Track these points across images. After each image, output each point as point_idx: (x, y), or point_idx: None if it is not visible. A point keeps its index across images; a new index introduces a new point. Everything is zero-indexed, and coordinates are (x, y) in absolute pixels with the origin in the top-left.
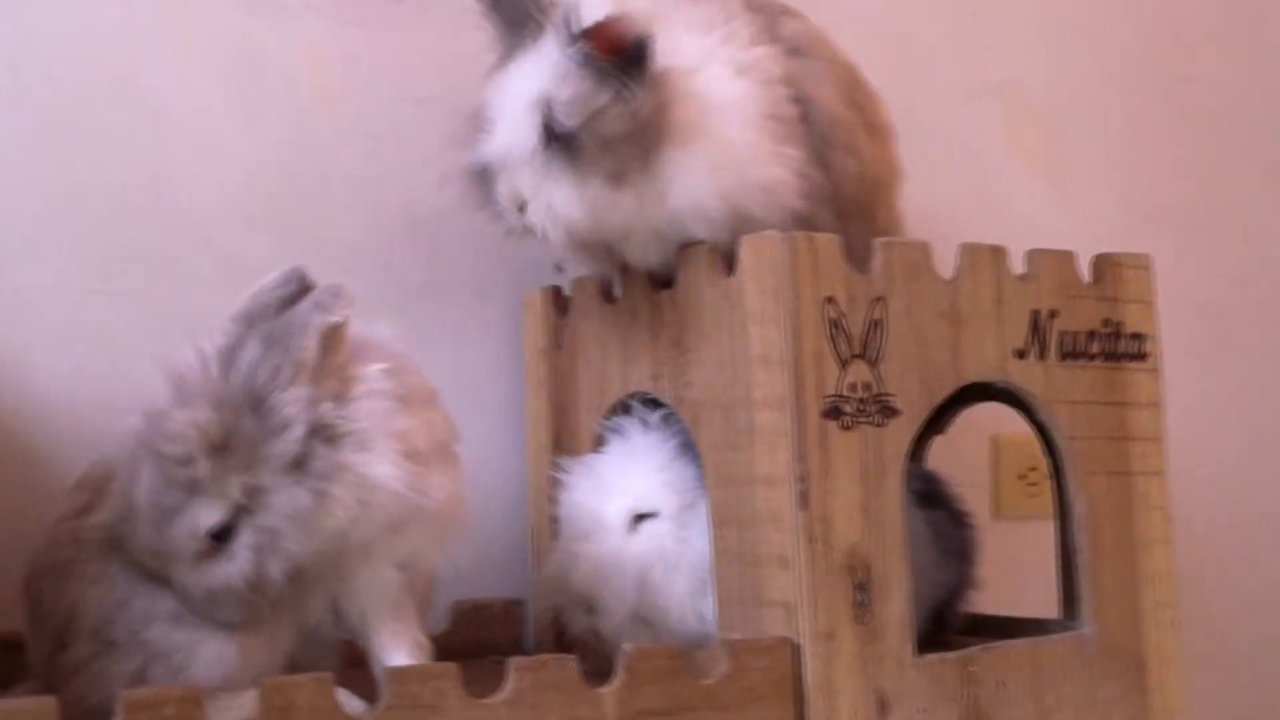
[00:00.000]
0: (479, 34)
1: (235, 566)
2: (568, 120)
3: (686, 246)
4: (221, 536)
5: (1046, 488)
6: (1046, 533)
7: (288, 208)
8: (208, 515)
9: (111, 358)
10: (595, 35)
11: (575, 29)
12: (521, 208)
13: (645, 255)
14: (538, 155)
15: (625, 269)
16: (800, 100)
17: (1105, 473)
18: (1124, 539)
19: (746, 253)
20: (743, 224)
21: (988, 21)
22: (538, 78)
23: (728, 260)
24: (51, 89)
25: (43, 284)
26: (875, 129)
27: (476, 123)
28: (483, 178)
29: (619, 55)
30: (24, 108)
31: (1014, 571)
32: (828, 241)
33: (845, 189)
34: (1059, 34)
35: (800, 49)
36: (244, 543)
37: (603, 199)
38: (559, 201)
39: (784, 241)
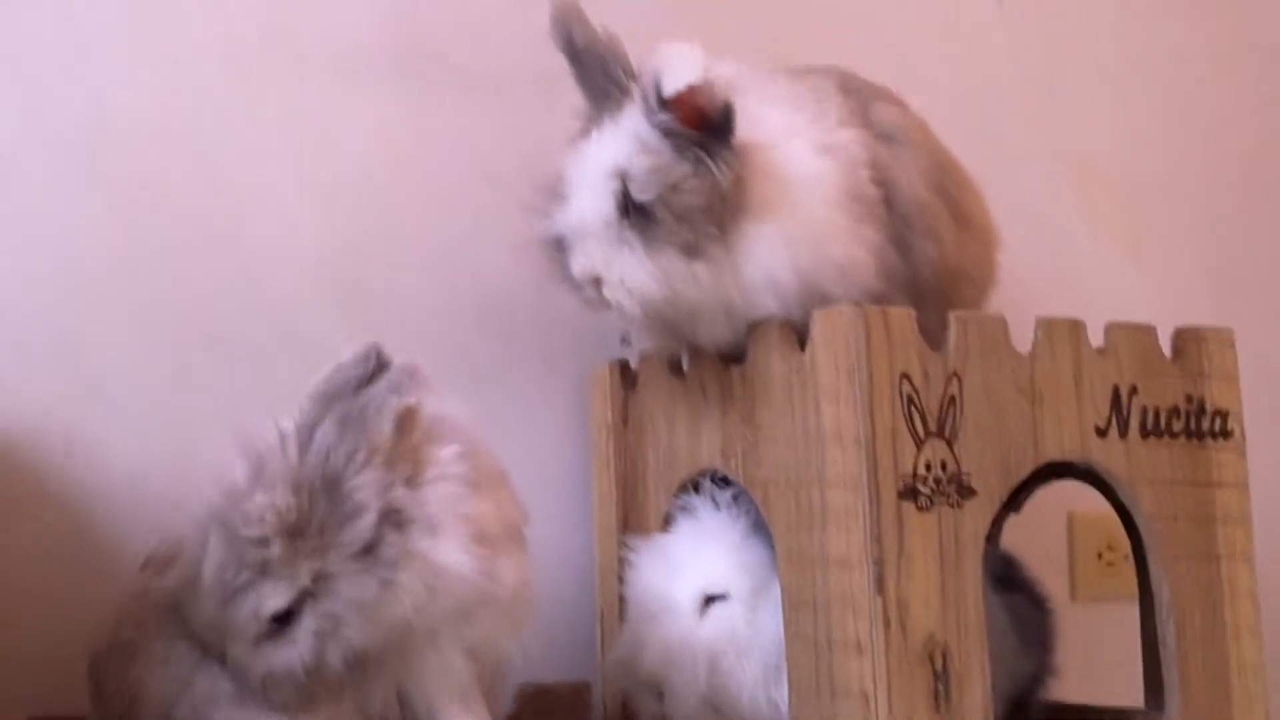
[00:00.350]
0: (552, 112)
1: (295, 651)
2: (643, 192)
3: (757, 322)
4: (284, 620)
5: (1124, 567)
6: (1126, 614)
7: (360, 286)
8: (274, 598)
9: (183, 440)
10: (679, 103)
11: (658, 96)
12: (596, 280)
13: (715, 333)
14: (613, 226)
15: (694, 345)
16: (884, 183)
17: (1190, 556)
18: (1212, 627)
19: (819, 327)
20: (817, 302)
21: (1064, 93)
22: (616, 149)
23: (800, 335)
24: (126, 170)
25: (116, 365)
26: (965, 220)
27: (553, 193)
28: (558, 249)
29: (701, 124)
30: (99, 188)
31: (1094, 656)
32: (902, 316)
33: (924, 274)
34: (1136, 105)
35: (890, 134)
36: (306, 628)
37: (677, 271)
38: (632, 273)
39: (857, 315)
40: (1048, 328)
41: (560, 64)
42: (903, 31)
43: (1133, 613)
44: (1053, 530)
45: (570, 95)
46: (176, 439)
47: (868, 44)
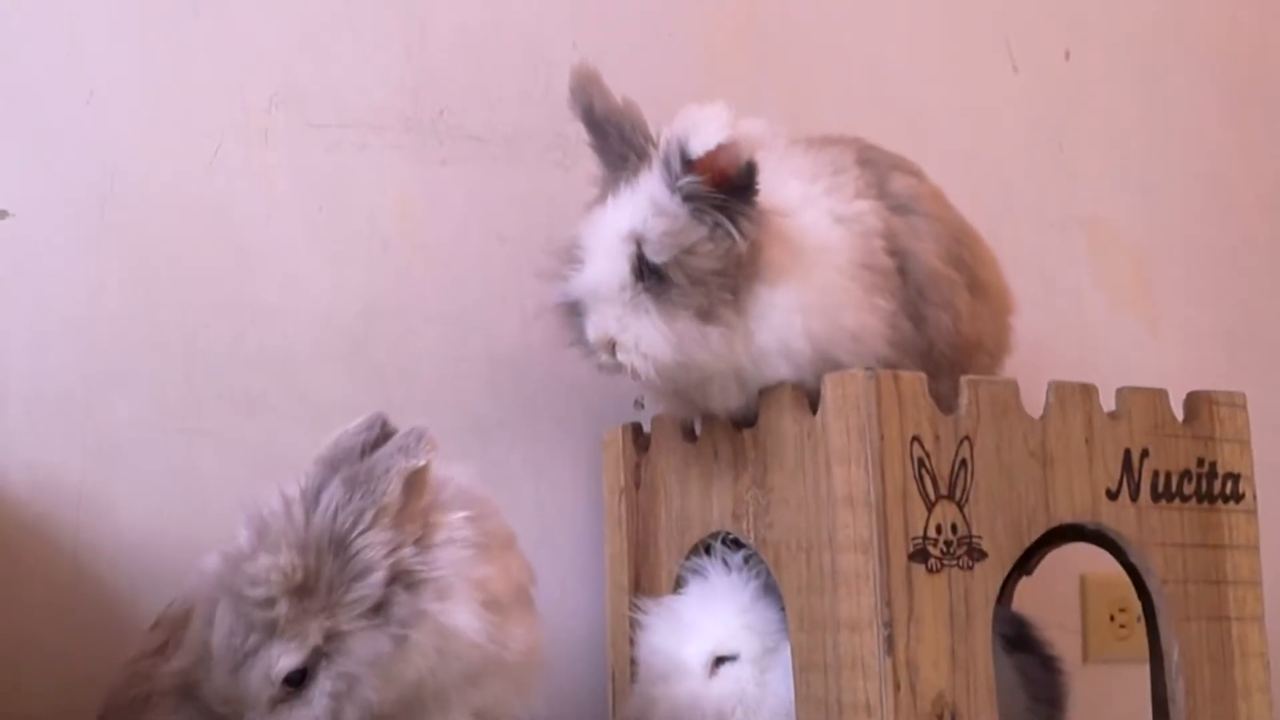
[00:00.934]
0: (564, 175)
1: (310, 713)
2: (659, 255)
3: (769, 386)
4: (298, 681)
5: (1137, 629)
6: (1138, 676)
7: (371, 348)
8: (286, 659)
9: (192, 497)
10: (705, 163)
11: (683, 158)
12: (610, 344)
13: (727, 398)
14: (628, 290)
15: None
16: (898, 254)
17: (1200, 617)
18: (1222, 687)
19: (830, 390)
20: (829, 368)
21: (1075, 154)
22: (632, 212)
23: (811, 399)
24: (139, 230)
25: (126, 422)
26: (980, 289)
27: (568, 258)
28: (573, 313)
29: (725, 184)
30: (112, 248)
31: (1105, 718)
32: (913, 380)
33: (938, 343)
34: (1147, 166)
35: (906, 205)
36: (321, 689)
37: (691, 335)
38: (647, 336)
39: (868, 379)
40: (1059, 391)
41: (573, 128)
42: (919, 95)
43: (1145, 675)
44: (1065, 592)
45: (583, 159)
46: (187, 497)
47: (885, 108)
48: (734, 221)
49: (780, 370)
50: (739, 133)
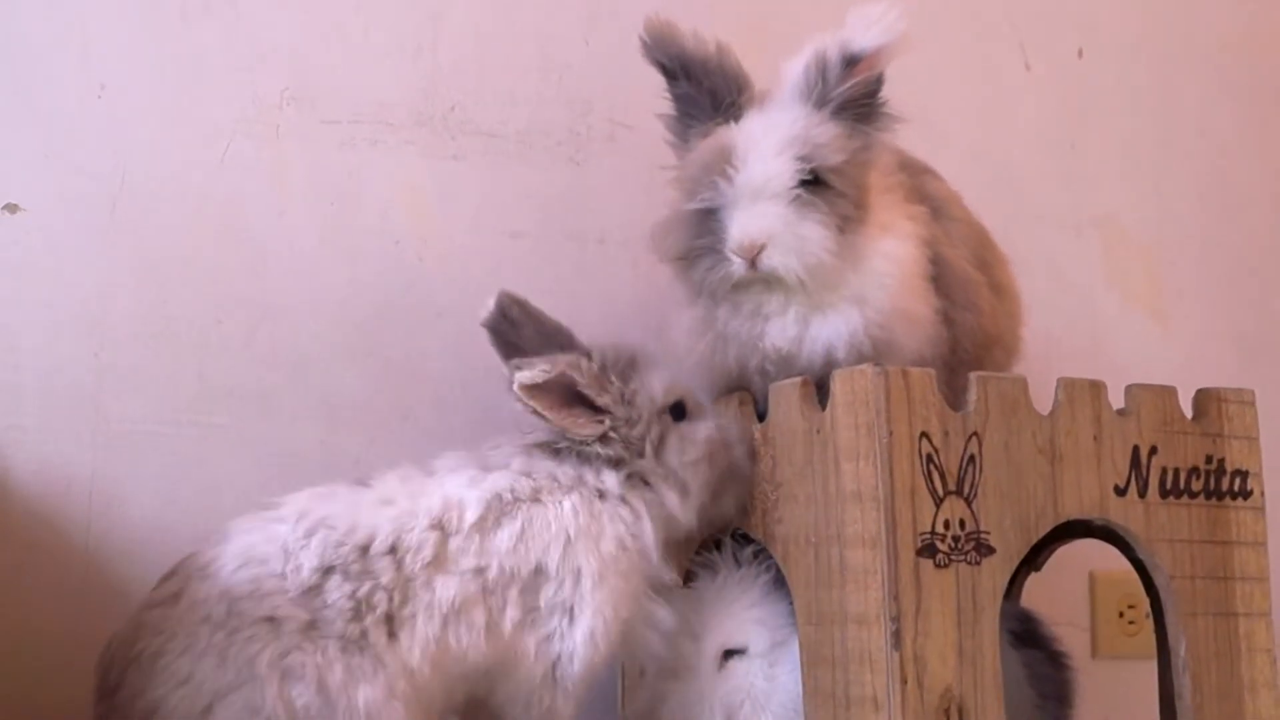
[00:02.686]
0: (575, 168)
1: None
2: (824, 160)
3: (779, 383)
4: None
5: (1146, 626)
6: (1147, 672)
7: (383, 343)
8: None
9: (204, 491)
10: (870, 59)
11: (844, 57)
12: (755, 247)
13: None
14: (790, 192)
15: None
16: (936, 261)
17: (1208, 614)
18: (1228, 683)
19: (839, 386)
20: (880, 338)
21: (1088, 154)
22: (791, 120)
23: (820, 394)
24: (151, 224)
25: (137, 416)
26: (1000, 289)
27: (714, 167)
28: (704, 221)
29: (870, 89)
30: (124, 244)
31: (1114, 714)
32: (922, 376)
33: (964, 341)
34: (1160, 167)
35: (939, 209)
36: None
37: (834, 243)
38: (812, 235)
39: (877, 376)
40: (1068, 388)
41: (585, 124)
42: (932, 95)
43: (1154, 671)
44: (1075, 588)
45: (595, 154)
46: (198, 492)
47: (898, 106)
48: (875, 125)
49: (853, 322)
50: (901, 33)
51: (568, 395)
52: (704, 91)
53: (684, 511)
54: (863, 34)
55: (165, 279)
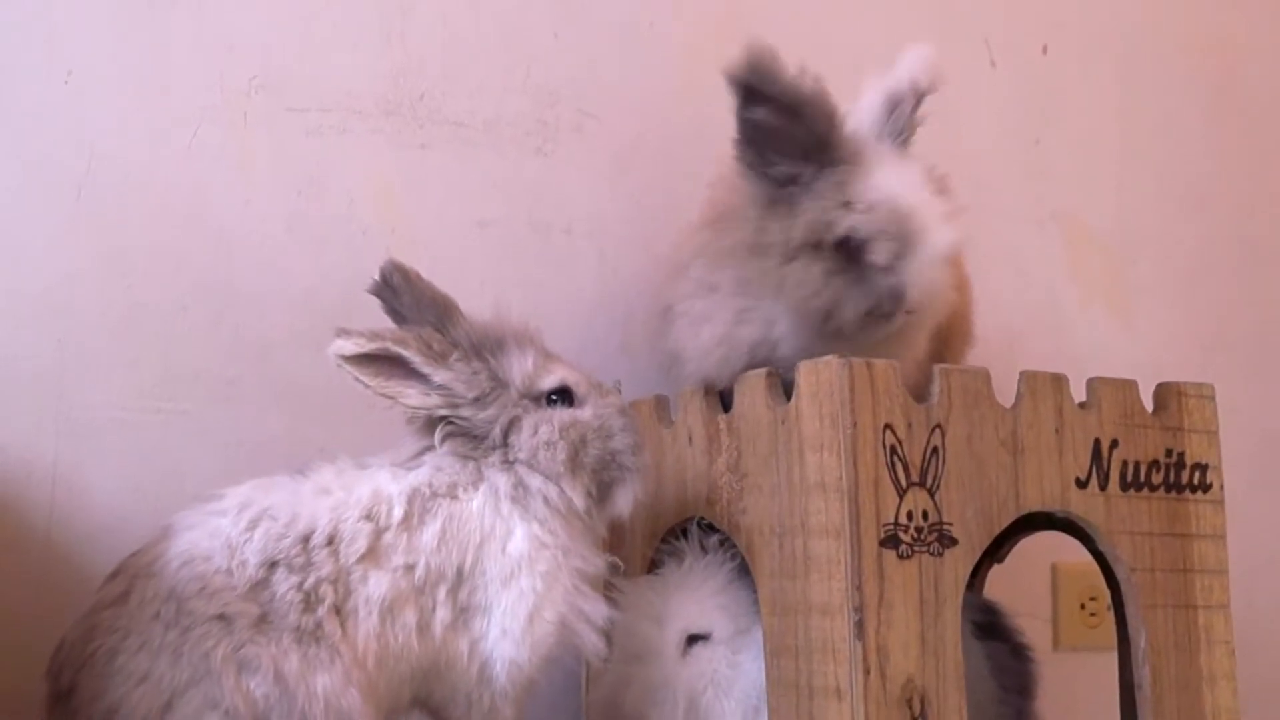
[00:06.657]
0: (543, 159)
1: None
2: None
3: (745, 374)
4: None
5: (1107, 618)
6: (1108, 664)
7: None
8: None
9: (167, 478)
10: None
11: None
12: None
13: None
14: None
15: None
16: None
17: (1167, 606)
18: (1187, 674)
19: (804, 378)
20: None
21: (1051, 150)
22: (916, 171)
23: (785, 386)
24: (117, 210)
25: (101, 403)
26: (960, 287)
27: (891, 241)
28: (859, 271)
29: None
30: (89, 228)
31: (1075, 705)
32: (886, 368)
33: (941, 330)
34: (1122, 163)
35: None
36: None
37: None
38: (941, 280)
39: (842, 367)
40: (1030, 381)
41: (553, 114)
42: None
43: (1114, 662)
44: (1037, 580)
45: (563, 145)
46: (161, 478)
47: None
48: None
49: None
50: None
51: (406, 369)
52: (802, 131)
53: (577, 500)
54: (924, 72)
55: (130, 265)
